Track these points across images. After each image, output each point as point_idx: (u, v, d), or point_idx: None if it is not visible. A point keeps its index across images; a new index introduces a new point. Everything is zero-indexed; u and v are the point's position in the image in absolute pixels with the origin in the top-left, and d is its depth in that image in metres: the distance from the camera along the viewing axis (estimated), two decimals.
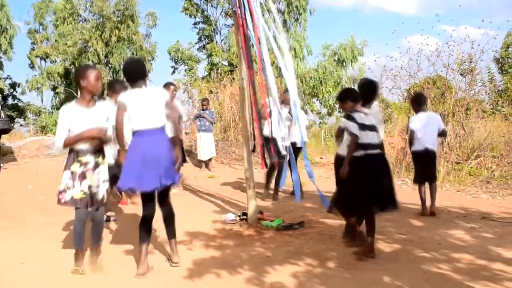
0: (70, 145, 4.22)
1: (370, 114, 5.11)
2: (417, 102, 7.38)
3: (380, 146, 5.13)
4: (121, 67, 5.31)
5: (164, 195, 4.63)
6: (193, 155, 11.99)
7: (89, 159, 4.27)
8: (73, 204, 4.22)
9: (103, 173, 4.38)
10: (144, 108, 4.43)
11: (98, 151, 4.36)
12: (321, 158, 13.52)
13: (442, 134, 7.34)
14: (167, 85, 8.33)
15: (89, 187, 4.23)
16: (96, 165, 4.31)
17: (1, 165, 10.00)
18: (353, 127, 4.82)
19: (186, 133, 11.73)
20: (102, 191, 4.36)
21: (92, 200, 4.27)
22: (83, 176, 4.23)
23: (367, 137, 4.85)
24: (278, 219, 6.31)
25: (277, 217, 6.52)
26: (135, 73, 4.56)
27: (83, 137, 4.21)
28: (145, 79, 4.63)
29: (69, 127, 4.20)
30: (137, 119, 4.41)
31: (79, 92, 4.40)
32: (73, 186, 4.20)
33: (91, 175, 4.26)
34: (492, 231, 6.00)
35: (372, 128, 4.93)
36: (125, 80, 4.95)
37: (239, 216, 6.49)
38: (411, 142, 7.31)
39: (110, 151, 5.24)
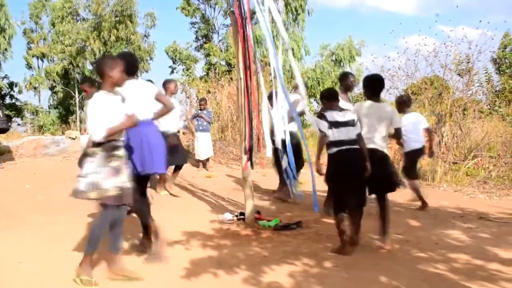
0: (112, 135, 3.99)
1: (349, 109, 5.37)
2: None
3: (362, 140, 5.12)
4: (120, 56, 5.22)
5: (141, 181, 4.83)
6: (191, 155, 11.99)
7: (122, 152, 4.12)
8: (105, 201, 3.98)
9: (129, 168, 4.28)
10: (137, 100, 4.64)
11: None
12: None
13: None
14: (168, 82, 8.45)
15: (124, 182, 4.04)
16: (126, 160, 4.20)
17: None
18: (322, 125, 5.04)
19: (183, 133, 11.63)
20: (131, 187, 4.19)
21: (123, 198, 4.06)
22: (119, 170, 4.03)
23: (339, 134, 4.96)
24: (275, 219, 6.32)
25: (275, 217, 6.53)
26: (131, 66, 4.80)
27: (127, 125, 4.10)
28: (136, 72, 5.01)
29: (105, 117, 3.97)
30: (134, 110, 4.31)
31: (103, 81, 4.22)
32: (108, 181, 3.94)
33: (125, 169, 4.10)
34: (489, 231, 6.02)
35: (347, 123, 5.03)
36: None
37: (237, 216, 6.49)
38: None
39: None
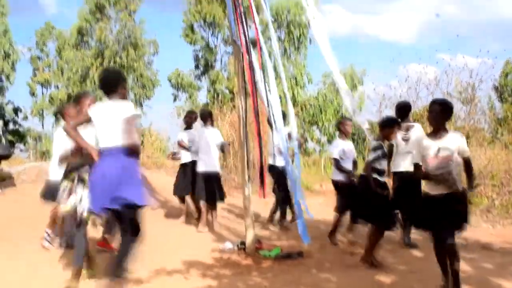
0: (78, 144, 4.33)
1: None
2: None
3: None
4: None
5: (124, 217, 4.23)
6: None
7: (76, 175, 4.53)
8: (66, 218, 4.80)
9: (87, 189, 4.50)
10: (105, 124, 4.17)
11: (85, 167, 4.51)
12: (320, 185, 13.48)
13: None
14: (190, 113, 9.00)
15: (77, 202, 4.46)
16: (82, 181, 4.50)
17: (0, 190, 9.99)
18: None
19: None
20: (83, 207, 4.48)
21: (81, 215, 4.46)
22: (71, 191, 4.50)
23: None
24: (276, 248, 6.26)
25: (275, 246, 6.47)
26: (105, 83, 4.34)
27: (90, 150, 4.24)
28: (116, 91, 4.29)
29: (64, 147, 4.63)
30: (99, 136, 4.21)
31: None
32: (64, 200, 4.52)
33: (80, 190, 4.48)
34: (492, 262, 5.94)
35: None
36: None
37: (237, 245, 6.44)
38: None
39: None
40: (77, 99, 4.70)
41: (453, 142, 4.57)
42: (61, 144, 4.88)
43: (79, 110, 4.44)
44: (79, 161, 4.48)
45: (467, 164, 4.72)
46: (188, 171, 8.39)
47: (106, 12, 29.13)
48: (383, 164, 5.81)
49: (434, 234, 4.65)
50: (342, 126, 7.08)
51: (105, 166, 4.10)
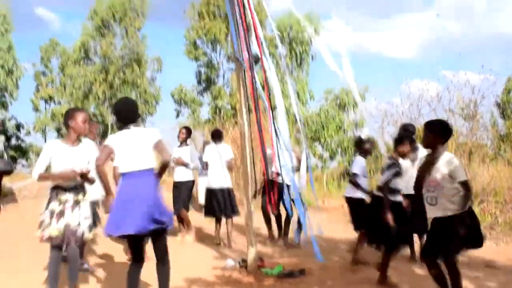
0: (44, 180, 4.50)
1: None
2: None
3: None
4: (115, 104, 5.34)
5: (158, 242, 4.37)
6: (193, 199, 11.90)
7: (69, 197, 4.42)
8: (49, 242, 4.39)
9: (84, 210, 4.49)
10: (131, 149, 4.31)
11: (79, 188, 4.51)
12: (322, 202, 13.43)
13: None
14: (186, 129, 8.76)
15: (66, 225, 4.34)
16: (76, 203, 4.44)
17: (1, 206, 9.96)
18: None
19: None
20: (82, 228, 4.45)
21: (69, 238, 4.36)
22: (61, 214, 4.37)
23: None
24: (278, 266, 6.21)
25: (277, 264, 6.42)
26: (125, 115, 4.48)
27: (57, 178, 4.42)
28: (135, 120, 4.51)
29: (49, 162, 4.45)
30: (123, 161, 4.32)
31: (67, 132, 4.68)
32: (50, 224, 4.36)
33: (69, 213, 4.38)
34: (495, 280, 5.89)
35: None
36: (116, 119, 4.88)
37: (239, 262, 6.39)
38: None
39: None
40: (70, 115, 4.52)
41: (445, 166, 4.44)
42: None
43: (72, 126, 4.45)
44: (73, 183, 4.48)
45: (464, 187, 4.43)
46: (184, 189, 8.36)
47: (111, 28, 29.38)
48: (397, 183, 5.74)
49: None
50: (364, 145, 6.88)
51: (138, 187, 4.23)
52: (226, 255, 7.19)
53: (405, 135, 6.06)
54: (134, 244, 4.35)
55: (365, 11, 53.60)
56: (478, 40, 51.10)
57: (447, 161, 4.47)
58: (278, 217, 8.24)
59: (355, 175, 6.63)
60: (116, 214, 4.16)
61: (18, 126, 29.80)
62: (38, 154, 29.79)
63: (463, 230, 4.35)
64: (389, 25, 54.72)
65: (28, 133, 30.38)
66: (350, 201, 6.84)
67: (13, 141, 29.29)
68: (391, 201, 5.62)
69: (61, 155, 4.44)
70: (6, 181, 12.51)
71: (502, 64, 45.34)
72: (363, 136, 7.41)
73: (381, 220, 5.54)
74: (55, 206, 4.38)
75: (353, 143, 7.80)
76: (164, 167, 4.42)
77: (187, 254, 7.17)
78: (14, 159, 24.98)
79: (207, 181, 8.45)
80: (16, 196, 11.38)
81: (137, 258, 4.37)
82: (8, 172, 10.59)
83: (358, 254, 6.63)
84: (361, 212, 6.51)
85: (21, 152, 29.29)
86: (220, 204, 8.06)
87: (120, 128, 4.53)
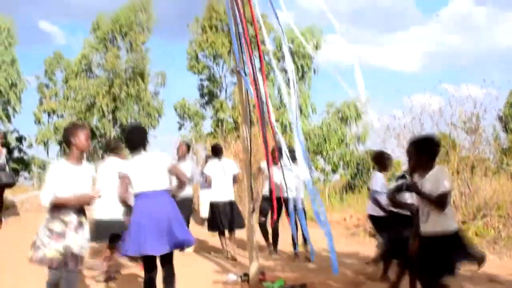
0: (59, 205, 4.12)
1: None
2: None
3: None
4: (125, 130, 5.61)
5: (168, 256, 4.58)
6: (195, 212, 11.88)
7: (72, 218, 4.17)
8: (44, 264, 4.08)
9: (86, 232, 4.31)
10: (146, 172, 4.54)
11: (82, 209, 4.31)
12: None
13: None
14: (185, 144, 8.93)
15: (67, 247, 4.08)
16: (80, 224, 4.23)
17: (3, 219, 9.94)
18: None
19: None
20: (84, 251, 4.28)
21: (69, 261, 4.09)
22: (62, 235, 4.09)
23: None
24: (279, 280, 6.17)
25: (279, 278, 6.39)
26: (136, 141, 4.70)
27: (74, 202, 4.18)
28: (145, 146, 4.74)
29: (58, 184, 4.15)
30: (139, 183, 4.52)
31: (68, 149, 4.43)
32: (48, 244, 4.05)
33: (73, 235, 4.14)
34: None
35: None
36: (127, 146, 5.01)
37: (241, 276, 6.36)
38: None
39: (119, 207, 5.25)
40: (71, 132, 4.32)
41: (428, 182, 4.15)
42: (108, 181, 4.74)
43: (75, 144, 4.27)
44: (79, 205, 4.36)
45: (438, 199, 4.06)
46: (185, 206, 8.33)
47: (116, 42, 29.59)
48: (405, 197, 5.36)
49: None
50: (383, 160, 6.55)
51: (155, 208, 4.46)
52: (228, 269, 7.16)
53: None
54: (148, 258, 4.56)
55: (368, 26, 53.85)
56: (480, 55, 51.26)
57: (431, 176, 4.17)
58: (275, 230, 8.35)
59: (375, 192, 6.29)
60: (135, 235, 4.36)
61: (21, 139, 29.86)
62: (40, 167, 29.88)
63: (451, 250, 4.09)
64: (392, 39, 54.87)
65: (31, 145, 30.43)
66: (373, 219, 6.63)
67: (16, 154, 29.33)
68: (398, 214, 5.55)
69: (69, 176, 4.21)
70: (8, 193, 12.50)
71: (504, 78, 45.46)
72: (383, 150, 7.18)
73: (399, 235, 5.43)
74: (55, 226, 4.11)
75: (372, 157, 7.43)
76: (182, 188, 4.84)
77: (188, 268, 7.13)
78: (16, 172, 25.02)
79: (209, 194, 8.47)
80: (18, 209, 11.37)
81: (151, 268, 4.59)
82: (10, 185, 10.60)
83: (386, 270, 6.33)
84: (385, 229, 6.28)
85: (23, 164, 29.32)
86: (224, 217, 8.09)
87: (131, 153, 4.75)
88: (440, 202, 4.01)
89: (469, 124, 11.77)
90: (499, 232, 10.17)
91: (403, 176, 5.60)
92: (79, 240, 4.17)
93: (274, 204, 6.33)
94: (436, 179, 4.07)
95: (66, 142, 4.38)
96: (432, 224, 4.08)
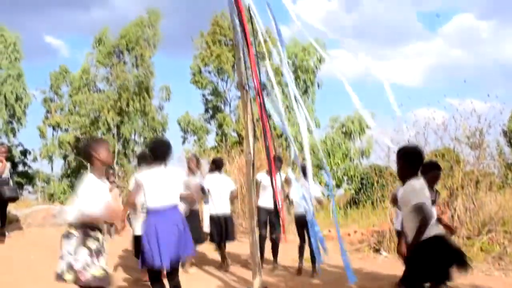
0: (89, 221, 4.01)
1: None
2: None
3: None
4: (148, 144, 5.85)
5: (174, 269, 4.84)
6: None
7: (100, 235, 4.14)
8: (99, 283, 3.91)
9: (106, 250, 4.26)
10: (161, 187, 4.77)
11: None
12: (329, 231, 13.31)
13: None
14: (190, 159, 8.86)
15: (105, 264, 4.07)
16: (104, 243, 4.19)
17: (6, 233, 9.92)
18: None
19: None
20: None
21: (102, 280, 3.97)
22: (99, 252, 4.01)
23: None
24: None
25: None
26: (159, 155, 4.93)
27: (107, 219, 4.20)
28: (166, 160, 4.96)
29: (89, 200, 3.99)
30: (153, 197, 4.74)
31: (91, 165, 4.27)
32: (92, 263, 3.92)
33: (104, 252, 4.11)
34: None
35: None
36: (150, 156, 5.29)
37: None
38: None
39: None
40: (93, 148, 4.16)
41: (401, 190, 4.37)
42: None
43: (100, 159, 4.13)
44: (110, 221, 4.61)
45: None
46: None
47: (123, 57, 29.82)
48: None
49: None
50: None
51: (166, 223, 4.70)
52: (231, 285, 7.12)
53: (433, 164, 5.81)
54: (154, 272, 4.84)
55: (371, 40, 54.02)
56: (483, 69, 51.33)
57: (406, 186, 4.33)
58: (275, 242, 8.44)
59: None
60: (150, 248, 4.62)
61: (25, 152, 29.96)
62: (44, 181, 29.95)
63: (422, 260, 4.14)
64: (396, 53, 55.05)
65: (35, 159, 30.50)
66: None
67: (20, 168, 29.40)
68: None
69: (100, 192, 4.12)
70: (12, 207, 12.51)
71: (508, 92, 45.36)
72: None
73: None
74: (91, 244, 3.97)
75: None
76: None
77: (192, 283, 7.10)
78: (20, 186, 25.08)
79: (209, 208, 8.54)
80: (21, 224, 11.35)
81: (157, 279, 4.87)
82: (14, 199, 10.58)
83: None
84: None
85: (28, 178, 29.37)
86: (220, 230, 8.24)
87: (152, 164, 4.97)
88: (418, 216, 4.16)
89: (473, 139, 11.73)
90: (504, 248, 10.08)
91: None
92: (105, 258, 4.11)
93: (283, 218, 6.38)
94: (406, 190, 4.29)
95: (87, 157, 4.23)
96: (411, 232, 4.23)
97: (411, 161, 4.39)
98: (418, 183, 4.30)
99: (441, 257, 4.16)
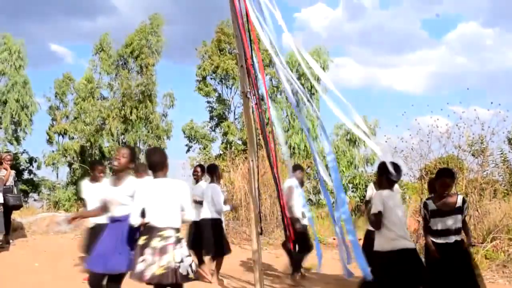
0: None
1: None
2: None
3: None
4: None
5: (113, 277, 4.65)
6: None
7: (171, 233, 4.31)
8: (158, 281, 4.15)
9: (184, 248, 4.41)
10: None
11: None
12: (333, 239, 13.28)
13: None
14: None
15: (169, 262, 4.18)
16: (178, 240, 4.35)
17: (11, 241, 9.96)
18: None
19: None
20: (186, 266, 4.30)
21: (176, 276, 4.19)
22: (164, 251, 4.21)
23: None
24: None
25: None
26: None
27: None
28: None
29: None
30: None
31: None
32: (153, 262, 4.15)
33: (171, 250, 4.24)
34: None
35: None
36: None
37: None
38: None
39: None
40: (165, 157, 4.85)
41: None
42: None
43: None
44: None
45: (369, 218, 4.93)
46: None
47: (127, 65, 29.92)
48: (437, 224, 5.41)
49: None
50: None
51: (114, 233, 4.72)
52: None
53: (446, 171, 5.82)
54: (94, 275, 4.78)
55: (376, 47, 54.00)
56: (487, 75, 51.23)
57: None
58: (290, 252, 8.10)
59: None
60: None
61: (31, 160, 30.05)
62: (50, 189, 30.01)
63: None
64: (400, 61, 55.01)
65: (40, 166, 30.57)
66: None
67: (25, 175, 29.46)
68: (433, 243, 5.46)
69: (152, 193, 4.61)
70: (16, 215, 12.57)
71: (510, 101, 45.20)
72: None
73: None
74: (156, 242, 4.24)
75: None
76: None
77: None
78: (25, 193, 25.15)
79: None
80: (25, 231, 11.40)
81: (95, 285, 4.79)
82: (18, 207, 10.64)
83: None
84: None
85: (33, 186, 29.42)
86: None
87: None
88: (370, 221, 5.09)
89: (475, 147, 11.73)
90: (509, 256, 10.04)
91: (429, 199, 5.66)
92: (178, 255, 4.25)
93: (290, 227, 6.34)
94: (374, 199, 4.91)
95: (160, 164, 4.74)
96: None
97: (382, 174, 5.04)
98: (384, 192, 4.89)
99: (398, 273, 4.32)
